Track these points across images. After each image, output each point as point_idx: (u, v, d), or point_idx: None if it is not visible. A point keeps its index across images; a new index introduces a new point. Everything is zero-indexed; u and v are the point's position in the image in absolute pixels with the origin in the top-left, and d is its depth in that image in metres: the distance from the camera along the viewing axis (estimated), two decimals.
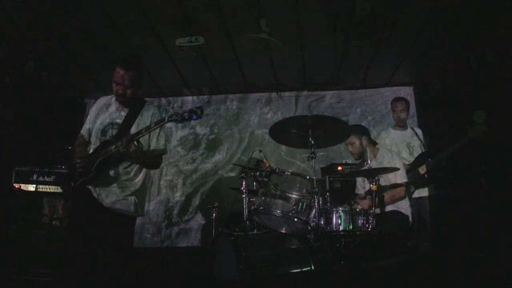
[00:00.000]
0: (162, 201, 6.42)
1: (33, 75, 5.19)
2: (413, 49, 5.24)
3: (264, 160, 3.84)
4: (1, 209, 4.63)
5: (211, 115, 6.70)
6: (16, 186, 4.82)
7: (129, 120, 3.07)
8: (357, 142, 4.15)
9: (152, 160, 3.13)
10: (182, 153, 6.63)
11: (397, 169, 3.79)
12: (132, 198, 3.08)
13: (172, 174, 6.53)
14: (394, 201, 4.02)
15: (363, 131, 4.23)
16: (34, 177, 4.86)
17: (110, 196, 3.02)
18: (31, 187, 4.83)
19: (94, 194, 3.02)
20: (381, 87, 6.49)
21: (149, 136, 3.06)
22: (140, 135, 2.84)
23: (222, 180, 6.42)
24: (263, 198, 3.37)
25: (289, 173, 3.40)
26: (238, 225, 4.04)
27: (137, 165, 3.12)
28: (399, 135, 4.85)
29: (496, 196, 4.32)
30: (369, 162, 3.85)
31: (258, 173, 3.54)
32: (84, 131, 3.23)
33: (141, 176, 3.16)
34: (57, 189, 4.82)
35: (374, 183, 3.49)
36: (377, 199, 3.52)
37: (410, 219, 4.09)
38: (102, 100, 3.26)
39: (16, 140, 4.95)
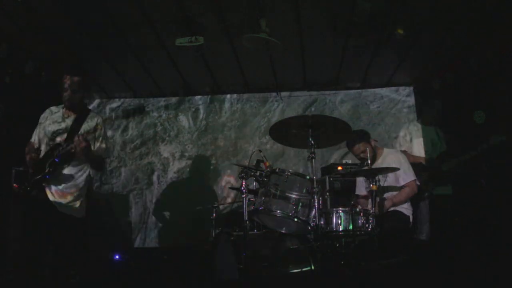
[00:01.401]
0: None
1: (33, 75, 5.19)
2: (413, 49, 5.24)
3: (264, 160, 3.84)
4: (1, 209, 4.62)
5: (208, 144, 6.60)
6: (16, 186, 4.81)
7: (77, 124, 3.43)
8: (369, 147, 4.16)
9: (97, 160, 3.53)
10: (179, 187, 6.49)
11: (397, 169, 3.80)
12: (78, 202, 3.42)
13: (170, 208, 6.44)
14: (409, 198, 4.06)
15: (369, 135, 4.26)
16: None
17: (62, 198, 3.33)
18: None
19: (49, 196, 3.31)
20: (381, 87, 6.48)
21: (94, 139, 3.46)
22: (89, 134, 3.31)
23: (222, 181, 6.41)
24: (263, 198, 3.37)
25: (289, 173, 3.40)
26: (238, 225, 4.04)
27: (84, 166, 3.48)
28: (426, 130, 4.99)
29: (496, 196, 4.32)
30: (369, 162, 3.86)
31: (258, 173, 3.54)
32: (34, 138, 3.54)
33: (85, 177, 3.51)
34: None
35: (374, 183, 3.50)
36: (377, 199, 3.53)
37: (411, 219, 4.10)
38: (50, 109, 3.58)
39: (16, 140, 4.94)
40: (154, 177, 6.54)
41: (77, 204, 3.39)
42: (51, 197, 3.31)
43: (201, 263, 4.46)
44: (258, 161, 3.87)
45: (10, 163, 4.94)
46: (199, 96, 6.72)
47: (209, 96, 6.71)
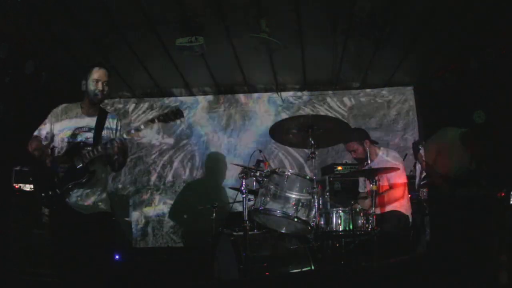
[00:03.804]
0: None
1: (33, 75, 5.18)
2: (413, 49, 5.24)
3: (264, 160, 3.84)
4: (1, 209, 4.63)
5: (206, 193, 6.27)
6: (16, 186, 4.82)
7: (100, 125, 3.23)
8: (360, 148, 4.14)
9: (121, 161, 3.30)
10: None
11: (397, 169, 3.80)
12: (104, 197, 3.21)
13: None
14: (393, 201, 4.02)
15: (364, 135, 4.23)
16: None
17: (91, 197, 3.12)
18: (31, 187, 4.83)
19: (72, 201, 3.06)
20: (381, 87, 6.48)
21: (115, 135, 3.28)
22: (130, 135, 3.11)
23: (222, 180, 6.40)
24: (263, 198, 3.37)
25: (289, 173, 3.40)
26: (238, 225, 4.04)
27: (106, 164, 3.26)
28: (459, 150, 4.36)
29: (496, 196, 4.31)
30: (369, 162, 3.86)
31: (258, 173, 3.54)
32: (41, 132, 3.22)
33: (107, 172, 3.32)
34: None
35: (374, 183, 3.50)
36: (377, 199, 3.52)
37: (410, 219, 4.10)
38: (66, 106, 3.31)
39: (16, 140, 4.94)
40: (149, 229, 6.30)
41: (103, 198, 3.19)
42: (73, 202, 3.06)
43: (201, 263, 4.47)
44: (258, 161, 3.87)
45: (10, 163, 4.96)
46: (194, 141, 6.51)
47: (205, 139, 6.51)
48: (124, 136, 3.09)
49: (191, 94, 6.66)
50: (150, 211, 6.32)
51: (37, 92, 5.34)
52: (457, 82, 5.33)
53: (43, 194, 3.02)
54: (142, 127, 3.11)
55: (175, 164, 6.46)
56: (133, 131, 3.12)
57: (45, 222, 4.62)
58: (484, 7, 4.30)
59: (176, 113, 3.10)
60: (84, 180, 3.05)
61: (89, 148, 3.07)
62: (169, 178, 6.43)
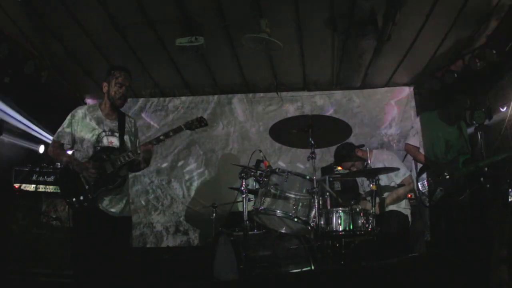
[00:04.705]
0: None
1: (33, 75, 5.19)
2: (413, 49, 5.24)
3: (264, 160, 3.84)
4: (1, 209, 4.63)
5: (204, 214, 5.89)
6: (16, 186, 4.82)
7: (122, 128, 3.26)
8: (356, 163, 4.18)
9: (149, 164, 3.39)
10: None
11: (397, 169, 3.80)
12: (128, 203, 3.27)
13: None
14: (396, 201, 4.04)
15: (352, 148, 4.23)
16: (34, 177, 4.87)
17: (120, 201, 3.16)
18: (31, 187, 4.83)
19: (100, 204, 3.09)
20: (381, 87, 6.48)
21: (139, 140, 3.41)
22: (161, 141, 3.18)
23: (222, 180, 6.38)
24: (263, 198, 3.36)
25: (289, 173, 3.40)
26: (238, 225, 4.04)
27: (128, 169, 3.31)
28: (442, 128, 4.34)
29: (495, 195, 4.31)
30: (369, 162, 3.86)
31: (258, 173, 3.54)
32: (63, 138, 3.18)
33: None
34: (57, 189, 4.83)
35: (374, 183, 3.50)
36: (377, 199, 3.53)
37: (410, 219, 4.10)
38: (85, 108, 3.28)
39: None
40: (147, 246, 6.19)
41: (128, 205, 3.24)
42: (105, 206, 3.08)
43: (201, 263, 4.47)
44: (258, 161, 3.87)
45: (10, 163, 4.97)
46: (193, 165, 6.43)
47: (203, 158, 6.42)
48: (154, 142, 3.15)
49: (191, 94, 6.65)
50: (147, 231, 6.21)
51: (37, 92, 5.35)
52: (457, 82, 5.33)
53: (74, 199, 3.02)
54: (171, 133, 3.17)
55: (173, 183, 6.37)
56: (162, 137, 3.17)
57: (44, 221, 4.64)
58: (484, 7, 4.31)
59: (201, 121, 3.26)
60: (116, 185, 3.10)
61: (119, 154, 3.10)
62: (167, 198, 6.34)
